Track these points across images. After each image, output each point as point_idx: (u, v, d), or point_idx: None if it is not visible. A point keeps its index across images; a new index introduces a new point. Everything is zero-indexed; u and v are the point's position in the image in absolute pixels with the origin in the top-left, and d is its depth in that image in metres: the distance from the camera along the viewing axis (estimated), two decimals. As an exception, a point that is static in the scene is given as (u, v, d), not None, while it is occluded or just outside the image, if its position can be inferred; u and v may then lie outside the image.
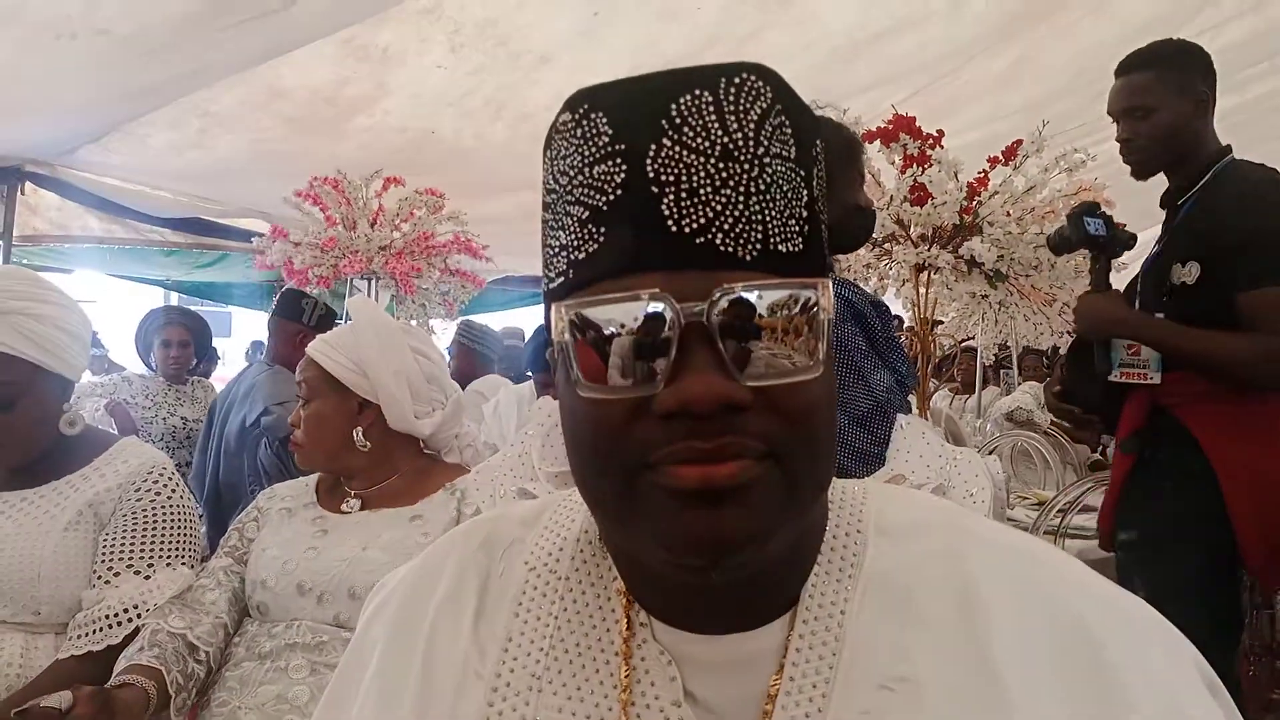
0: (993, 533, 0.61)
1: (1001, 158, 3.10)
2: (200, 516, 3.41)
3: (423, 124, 3.72)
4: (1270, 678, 2.93)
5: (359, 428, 1.61)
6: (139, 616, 1.52)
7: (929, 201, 2.96)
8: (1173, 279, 2.04)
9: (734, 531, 0.50)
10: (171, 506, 1.63)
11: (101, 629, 1.51)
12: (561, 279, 0.55)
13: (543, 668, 0.59)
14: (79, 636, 1.51)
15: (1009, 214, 3.05)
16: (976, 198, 3.07)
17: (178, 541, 1.63)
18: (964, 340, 5.34)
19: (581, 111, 0.54)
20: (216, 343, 5.53)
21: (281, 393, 3.27)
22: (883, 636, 0.56)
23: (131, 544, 1.58)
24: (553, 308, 0.54)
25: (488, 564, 0.65)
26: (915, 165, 2.97)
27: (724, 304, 0.49)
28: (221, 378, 4.73)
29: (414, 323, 3.96)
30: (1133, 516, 2.13)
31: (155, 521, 1.61)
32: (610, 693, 0.57)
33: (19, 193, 4.07)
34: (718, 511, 0.49)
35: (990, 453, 3.87)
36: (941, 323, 3.99)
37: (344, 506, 1.58)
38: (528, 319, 8.48)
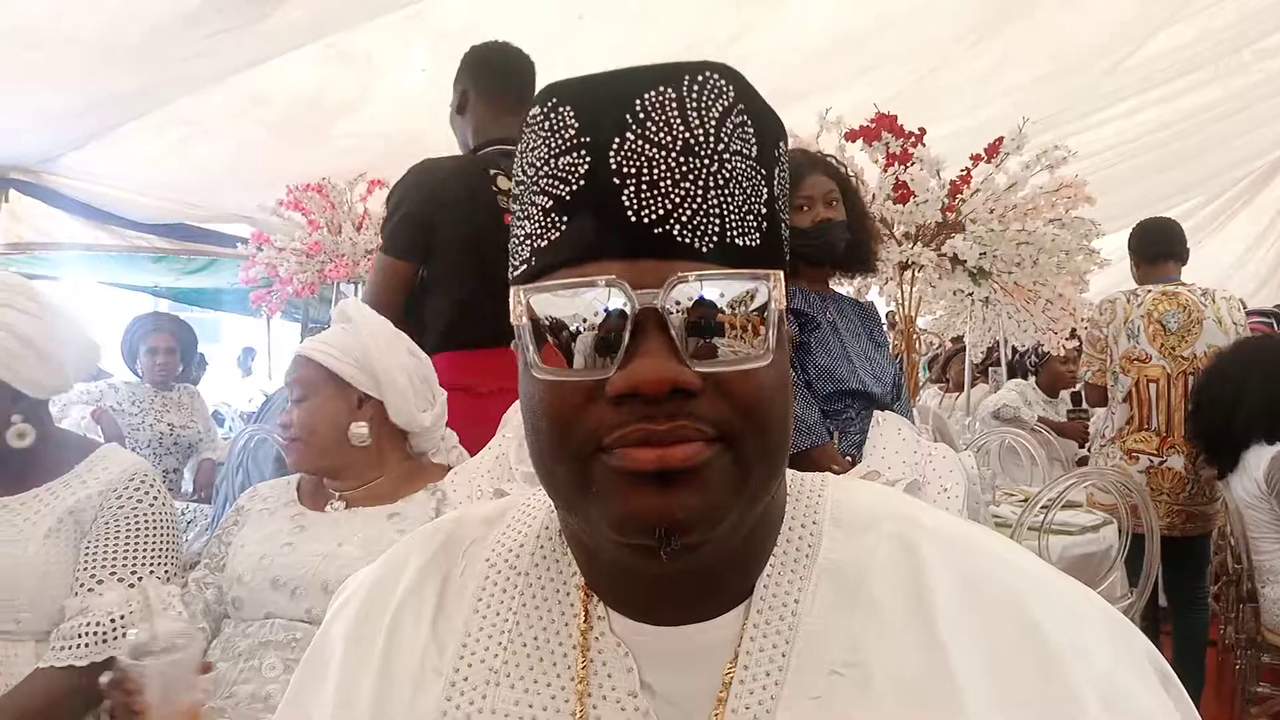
0: (942, 523, 0.62)
1: (984, 155, 3.12)
2: (188, 524, 3.41)
3: (406, 126, 3.72)
4: (1254, 671, 2.95)
5: (360, 421, 1.62)
6: (124, 633, 1.51)
7: (911, 199, 2.97)
8: None
9: (685, 512, 0.51)
10: (154, 513, 1.62)
11: (88, 643, 1.49)
12: (524, 266, 0.56)
13: (500, 661, 0.60)
14: (62, 648, 1.49)
15: (991, 211, 3.06)
16: (959, 195, 3.08)
17: (161, 548, 1.62)
18: (957, 339, 5.37)
19: (550, 105, 0.55)
20: (205, 349, 5.52)
21: None
22: (835, 625, 0.58)
23: (114, 551, 1.57)
24: (512, 292, 0.55)
25: (448, 563, 0.66)
26: (898, 163, 2.98)
27: (677, 292, 0.51)
28: (207, 385, 4.72)
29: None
30: None
31: (138, 529, 1.59)
32: (568, 684, 0.59)
33: (3, 200, 4.06)
34: (669, 492, 0.51)
35: (978, 450, 3.88)
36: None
37: (329, 507, 1.59)
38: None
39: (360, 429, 1.61)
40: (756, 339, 0.53)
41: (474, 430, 1.83)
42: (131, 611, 1.52)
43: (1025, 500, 2.73)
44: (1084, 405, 4.52)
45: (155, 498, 1.64)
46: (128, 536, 1.58)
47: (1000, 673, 0.54)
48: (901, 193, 2.99)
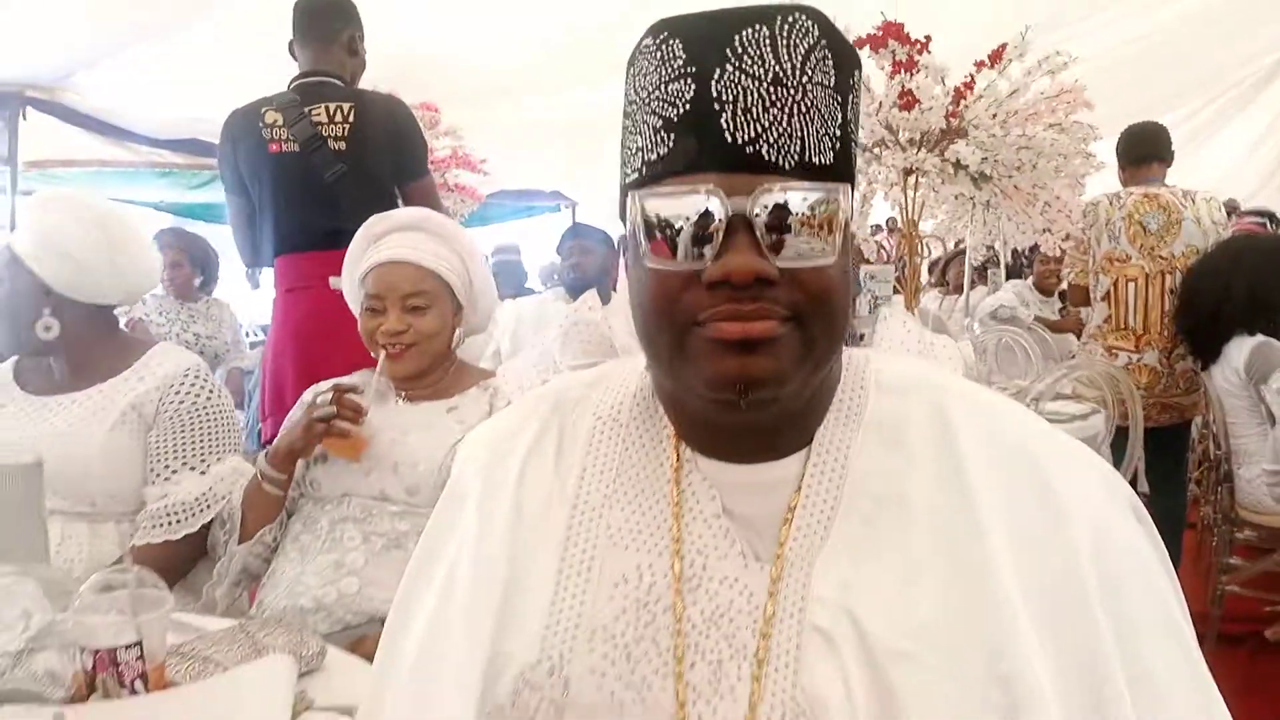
0: (969, 390, 0.77)
1: (987, 61, 3.19)
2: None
3: (426, 38, 3.76)
4: (1228, 545, 3.19)
5: (458, 329, 1.78)
6: (209, 506, 1.71)
7: (916, 106, 3.06)
8: None
9: (761, 373, 0.64)
10: (213, 405, 1.79)
11: (178, 519, 1.69)
12: (636, 174, 0.69)
13: (611, 491, 0.75)
14: (154, 527, 1.69)
15: (993, 117, 3.15)
16: (962, 101, 3.17)
17: (224, 438, 1.80)
18: (958, 244, 5.49)
19: (662, 37, 0.66)
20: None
21: None
22: (878, 466, 0.71)
23: (183, 445, 1.75)
24: (628, 196, 0.68)
25: (561, 418, 0.80)
26: (903, 71, 3.06)
27: (763, 201, 0.63)
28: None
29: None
30: None
31: (201, 421, 1.77)
32: (665, 509, 0.73)
33: (22, 118, 4.12)
34: (749, 358, 0.64)
35: (976, 349, 4.04)
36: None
37: (395, 402, 1.74)
38: (520, 234, 8.55)
39: (458, 336, 1.77)
40: (826, 241, 0.64)
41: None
42: (209, 490, 1.73)
43: (1018, 393, 2.91)
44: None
45: (212, 391, 1.81)
46: (192, 429, 1.76)
47: (1014, 510, 0.68)
48: (907, 100, 3.08)
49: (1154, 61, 5.24)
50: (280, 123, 2.50)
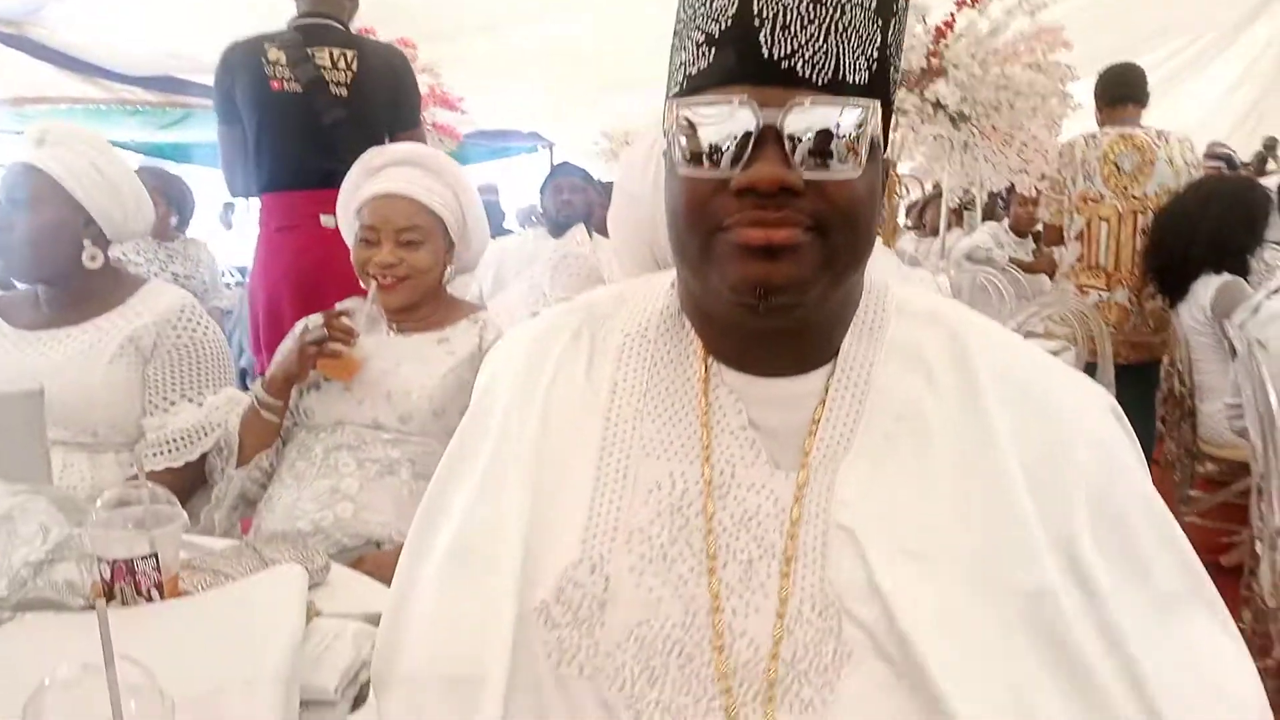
0: (987, 324, 0.81)
1: (968, 0, 3.20)
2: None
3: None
4: (1189, 479, 3.30)
5: (450, 265, 1.82)
6: (208, 434, 1.76)
7: (897, 45, 3.07)
8: None
9: (782, 278, 0.67)
10: (208, 340, 1.84)
11: (179, 447, 1.75)
12: (678, 87, 0.72)
13: (643, 404, 0.79)
14: (156, 454, 1.74)
15: (973, 56, 3.18)
16: (943, 40, 3.19)
17: (218, 371, 1.86)
18: (935, 186, 5.53)
19: None
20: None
21: None
22: (899, 385, 0.75)
23: (181, 377, 1.80)
24: (666, 105, 0.71)
25: (591, 330, 0.83)
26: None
27: (793, 115, 0.65)
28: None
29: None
30: None
31: (196, 355, 1.82)
32: (694, 421, 0.77)
33: (-7, 55, 4.04)
34: (771, 264, 0.67)
35: (952, 289, 4.11)
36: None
37: (388, 333, 1.78)
38: (497, 176, 8.49)
39: (450, 273, 1.81)
40: (852, 155, 0.67)
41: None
42: (207, 419, 1.78)
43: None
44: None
45: (207, 327, 1.86)
46: (189, 362, 1.81)
47: (1021, 430, 0.72)
48: (888, 38, 3.08)
49: (1133, 1, 5.24)
50: (283, 61, 2.54)
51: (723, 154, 0.67)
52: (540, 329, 0.86)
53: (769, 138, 0.66)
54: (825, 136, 0.66)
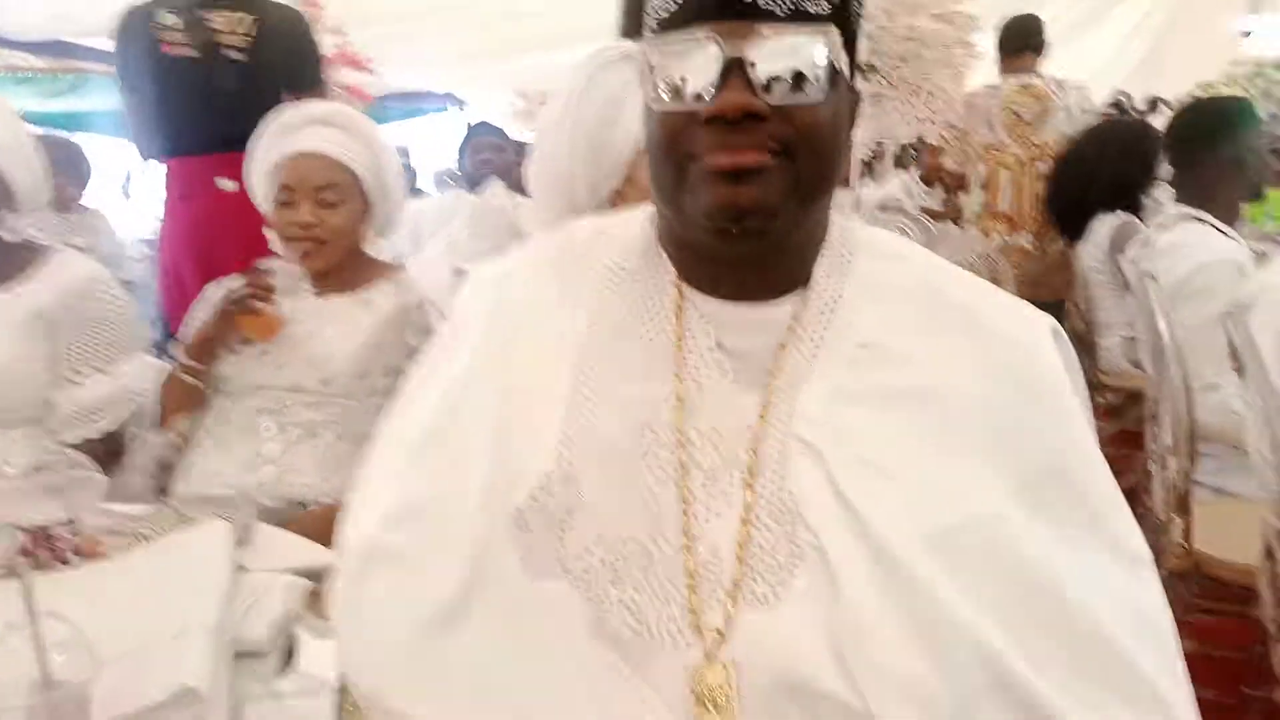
0: (949, 267, 0.86)
1: (874, -50, 3.24)
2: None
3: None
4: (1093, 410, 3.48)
5: (367, 226, 1.80)
6: (123, 402, 1.73)
7: (805, -3, 3.10)
8: None
9: (750, 201, 0.71)
10: (119, 311, 1.80)
11: (94, 419, 1.71)
12: (650, 30, 0.76)
13: (619, 328, 0.82)
14: (70, 427, 1.70)
15: (881, 9, 3.23)
16: (850, -9, 3.22)
17: (130, 341, 1.82)
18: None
19: None
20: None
21: None
22: (864, 316, 0.79)
23: (93, 348, 1.75)
24: (639, 48, 0.76)
25: (571, 259, 0.87)
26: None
27: (756, 46, 0.69)
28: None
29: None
30: None
31: (108, 327, 1.76)
32: (669, 340, 0.81)
33: None
34: (739, 187, 0.71)
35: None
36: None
37: (305, 295, 1.76)
38: (408, 137, 8.30)
39: (366, 232, 1.79)
40: (814, 81, 0.71)
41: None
42: (121, 388, 1.75)
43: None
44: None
45: (116, 297, 1.81)
46: (99, 334, 1.76)
47: (982, 365, 0.77)
48: (796, -10, 3.11)
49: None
50: (177, 25, 2.46)
51: (692, 88, 0.71)
52: (513, 262, 0.90)
53: (735, 69, 0.69)
54: (787, 64, 0.70)
